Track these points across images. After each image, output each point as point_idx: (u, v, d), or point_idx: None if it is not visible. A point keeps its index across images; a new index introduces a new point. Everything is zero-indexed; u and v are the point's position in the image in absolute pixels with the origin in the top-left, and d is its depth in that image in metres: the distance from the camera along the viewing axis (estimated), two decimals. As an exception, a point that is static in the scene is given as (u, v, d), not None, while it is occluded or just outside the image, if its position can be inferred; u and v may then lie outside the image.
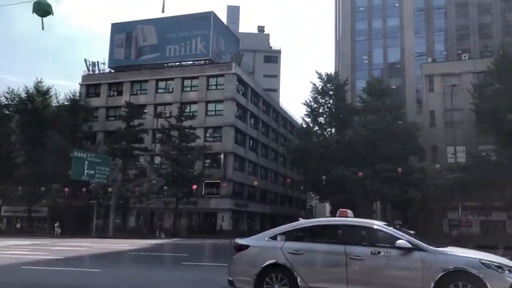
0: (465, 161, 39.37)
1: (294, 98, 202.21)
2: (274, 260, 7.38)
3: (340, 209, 7.95)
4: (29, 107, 51.49)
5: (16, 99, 52.51)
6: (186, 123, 46.15)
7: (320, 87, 44.11)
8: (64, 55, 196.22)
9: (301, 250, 7.35)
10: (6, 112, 53.51)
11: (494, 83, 39.64)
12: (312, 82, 43.62)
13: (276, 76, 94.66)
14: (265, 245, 7.67)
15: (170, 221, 47.82)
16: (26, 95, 51.81)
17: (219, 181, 49.40)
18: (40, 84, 52.86)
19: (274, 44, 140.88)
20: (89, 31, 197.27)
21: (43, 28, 9.08)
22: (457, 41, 54.10)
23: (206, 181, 49.59)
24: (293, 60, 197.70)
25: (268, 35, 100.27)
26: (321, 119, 43.90)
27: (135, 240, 32.97)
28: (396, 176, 35.94)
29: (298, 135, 53.07)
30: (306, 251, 7.34)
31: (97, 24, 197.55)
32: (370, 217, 44.52)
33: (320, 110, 44.00)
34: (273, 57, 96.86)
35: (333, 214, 45.92)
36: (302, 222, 7.93)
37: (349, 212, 7.86)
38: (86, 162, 37.96)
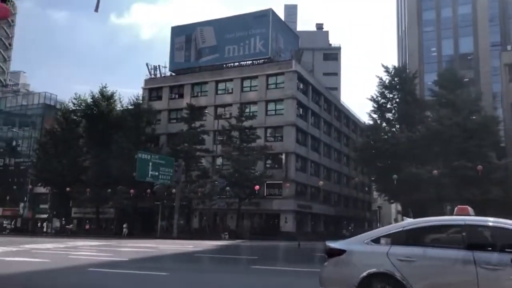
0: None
1: (356, 96, 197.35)
2: (380, 268, 5.96)
3: (459, 206, 6.38)
4: (94, 112, 53.02)
5: (82, 104, 54.27)
6: (247, 123, 45.46)
7: (387, 81, 41.69)
8: (128, 64, 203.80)
9: (414, 257, 5.86)
10: (74, 117, 55.50)
11: None
12: (378, 76, 41.47)
13: (336, 74, 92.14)
14: (366, 250, 6.25)
15: (232, 222, 47.25)
16: (91, 100, 53.37)
17: (281, 181, 48.19)
18: (104, 89, 54.31)
19: (333, 41, 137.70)
20: (152, 40, 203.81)
21: (96, 9, 8.16)
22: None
23: (267, 182, 48.53)
24: (354, 56, 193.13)
25: (327, 32, 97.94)
26: (389, 115, 41.44)
27: (200, 241, 32.49)
28: (475, 175, 32.96)
29: (362, 133, 50.73)
30: (419, 257, 5.84)
31: (160, 32, 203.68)
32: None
33: (388, 106, 41.57)
34: (332, 55, 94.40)
35: (405, 215, 43.25)
36: (411, 222, 6.43)
37: (470, 209, 6.29)
38: (150, 164, 38.13)
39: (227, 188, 42.04)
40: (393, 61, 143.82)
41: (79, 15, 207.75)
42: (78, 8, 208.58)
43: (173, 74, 58.88)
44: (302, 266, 14.13)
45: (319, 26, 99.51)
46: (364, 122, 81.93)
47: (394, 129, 38.08)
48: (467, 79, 47.47)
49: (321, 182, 41.33)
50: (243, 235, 44.94)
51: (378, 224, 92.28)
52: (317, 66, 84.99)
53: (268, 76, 51.18)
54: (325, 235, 57.81)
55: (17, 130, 64.01)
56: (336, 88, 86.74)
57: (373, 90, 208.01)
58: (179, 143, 48.90)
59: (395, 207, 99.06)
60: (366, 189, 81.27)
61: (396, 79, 40.79)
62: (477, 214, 6.44)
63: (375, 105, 41.89)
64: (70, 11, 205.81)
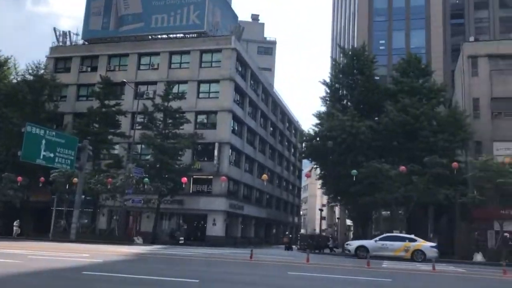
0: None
1: (289, 94, 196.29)
2: None
3: None
4: (-18, 80, 42.18)
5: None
6: (174, 104, 37.59)
7: (343, 64, 36.05)
8: (42, 54, 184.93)
9: None
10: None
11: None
12: (332, 58, 35.58)
13: (270, 70, 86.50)
14: None
15: (149, 224, 38.86)
16: (-22, 65, 42.39)
17: (211, 176, 40.78)
18: (-4, 53, 43.53)
19: (268, 34, 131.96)
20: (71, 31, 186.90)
21: None
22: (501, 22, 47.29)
23: (195, 177, 40.97)
24: (287, 53, 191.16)
25: (263, 24, 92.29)
26: (345, 102, 35.66)
27: (104, 246, 24.10)
28: (446, 174, 28.07)
29: (296, 131, 44.83)
30: None
31: (80, 25, 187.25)
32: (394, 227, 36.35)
33: (345, 92, 35.83)
34: (268, 49, 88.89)
35: (357, 223, 37.76)
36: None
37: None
38: (44, 141, 28.76)
39: (145, 180, 33.67)
40: (327, 58, 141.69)
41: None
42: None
43: (86, 43, 49.11)
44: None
45: (255, 17, 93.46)
46: (297, 122, 77.34)
47: (348, 117, 31.88)
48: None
49: (265, 176, 34.41)
50: (161, 239, 36.98)
51: (302, 230, 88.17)
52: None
53: (202, 52, 43.57)
54: (256, 241, 51.28)
55: None
56: (270, 84, 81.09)
57: (308, 89, 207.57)
58: (88, 123, 39.76)
59: (319, 212, 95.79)
60: (296, 192, 76.29)
61: (354, 62, 35.10)
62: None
63: (328, 90, 35.99)
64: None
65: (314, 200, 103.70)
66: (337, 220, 69.49)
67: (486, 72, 36.16)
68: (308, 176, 41.45)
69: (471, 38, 39.19)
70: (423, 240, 24.86)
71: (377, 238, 25.49)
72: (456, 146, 30.76)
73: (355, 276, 12.32)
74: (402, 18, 49.05)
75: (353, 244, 25.48)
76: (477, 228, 32.62)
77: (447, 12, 51.62)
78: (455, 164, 27.25)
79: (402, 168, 27.61)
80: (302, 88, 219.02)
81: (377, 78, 38.45)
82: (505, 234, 28.31)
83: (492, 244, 31.36)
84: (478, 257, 27.52)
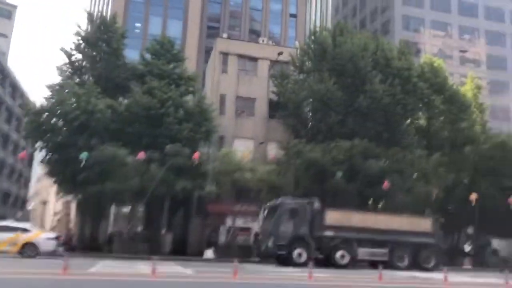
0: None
1: (35, 68, 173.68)
2: None
3: None
4: None
5: None
6: None
7: (87, 32, 30.83)
8: None
9: None
10: None
11: (294, 73, 35.23)
12: (78, 25, 30.03)
13: (6, 37, 72.49)
14: None
15: None
16: None
17: None
18: None
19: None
20: None
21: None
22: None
23: None
24: (36, 23, 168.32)
25: (0, -18, 77.00)
26: (86, 77, 30.37)
27: None
28: (188, 165, 26.37)
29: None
30: None
31: None
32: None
33: (85, 63, 30.51)
34: (4, 11, 74.39)
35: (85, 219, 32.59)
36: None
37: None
38: None
39: None
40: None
41: None
42: None
43: None
44: None
45: (-8, -29, 77.25)
46: (34, 102, 66.44)
47: (85, 91, 26.94)
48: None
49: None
50: None
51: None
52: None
53: None
54: None
55: None
56: (4, 52, 67.86)
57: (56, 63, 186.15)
58: None
59: (53, 207, 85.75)
60: (24, 182, 65.32)
61: (101, 31, 30.32)
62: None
63: (68, 61, 30.14)
64: None
65: (49, 193, 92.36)
66: (72, 216, 62.33)
67: (234, 70, 36.87)
68: (22, 157, 34.28)
69: (225, 35, 39.55)
70: (40, 231, 22.20)
71: None
72: (201, 137, 29.46)
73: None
74: (160, 4, 46.79)
75: None
76: (211, 223, 32.30)
77: (205, 11, 52.06)
78: (195, 155, 25.71)
79: (141, 154, 24.51)
80: (50, 62, 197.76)
81: (128, 63, 34.63)
82: (255, 231, 28.27)
83: (222, 240, 31.40)
84: (209, 253, 26.78)
